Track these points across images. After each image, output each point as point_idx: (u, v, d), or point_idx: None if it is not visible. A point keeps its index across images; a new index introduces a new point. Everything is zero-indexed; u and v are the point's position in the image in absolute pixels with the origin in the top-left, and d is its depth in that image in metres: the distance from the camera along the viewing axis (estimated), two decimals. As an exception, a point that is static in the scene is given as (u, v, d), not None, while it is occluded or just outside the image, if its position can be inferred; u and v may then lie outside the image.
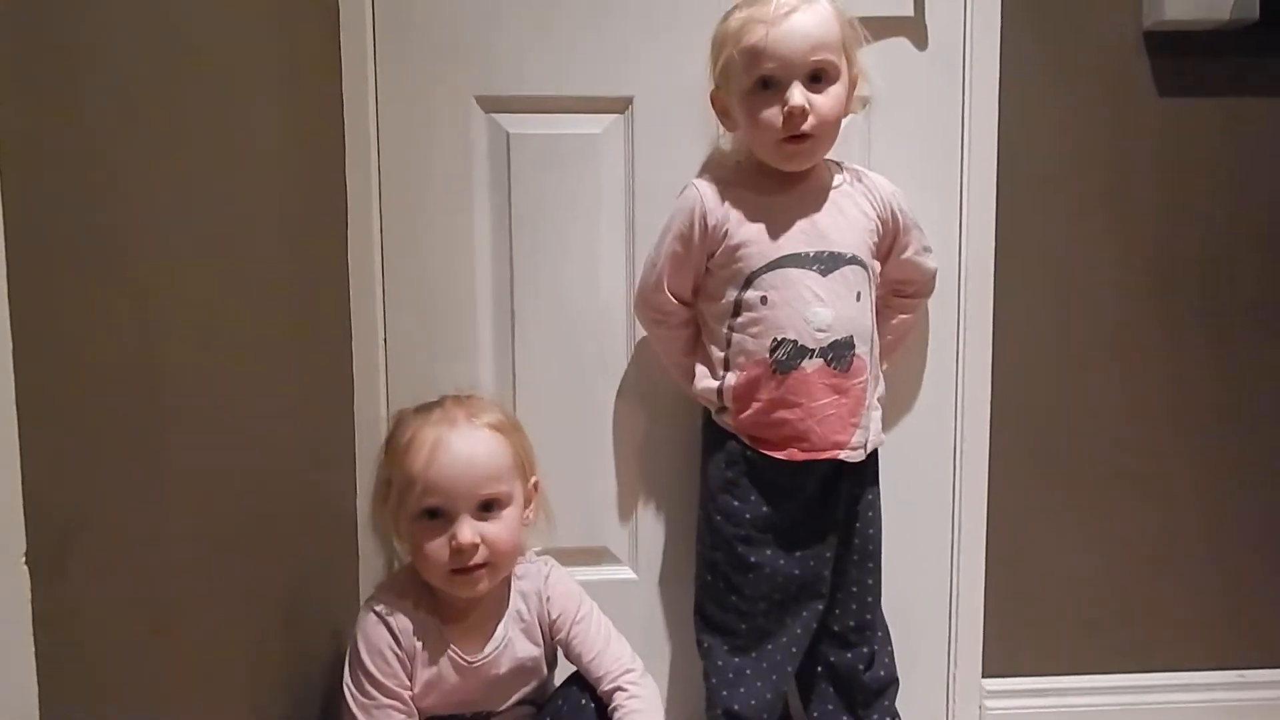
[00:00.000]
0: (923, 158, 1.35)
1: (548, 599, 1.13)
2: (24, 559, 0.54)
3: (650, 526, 1.40)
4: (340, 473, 1.29)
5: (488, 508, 1.04)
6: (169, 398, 0.75)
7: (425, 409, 1.09)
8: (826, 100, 1.14)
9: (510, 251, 1.35)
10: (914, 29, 1.34)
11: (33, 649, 0.54)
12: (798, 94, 1.13)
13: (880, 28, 1.29)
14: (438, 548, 1.03)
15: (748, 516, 1.22)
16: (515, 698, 1.13)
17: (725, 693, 1.22)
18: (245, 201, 0.93)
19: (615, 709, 1.10)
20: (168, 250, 0.75)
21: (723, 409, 1.23)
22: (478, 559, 1.03)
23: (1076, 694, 1.46)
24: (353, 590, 1.32)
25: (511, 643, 1.11)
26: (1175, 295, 1.42)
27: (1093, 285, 1.41)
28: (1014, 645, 1.45)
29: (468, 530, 1.02)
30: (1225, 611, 1.47)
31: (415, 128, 1.32)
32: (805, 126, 1.13)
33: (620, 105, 1.34)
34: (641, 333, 1.33)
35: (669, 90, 1.32)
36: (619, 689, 1.11)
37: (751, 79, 1.15)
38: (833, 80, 1.15)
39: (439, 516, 1.03)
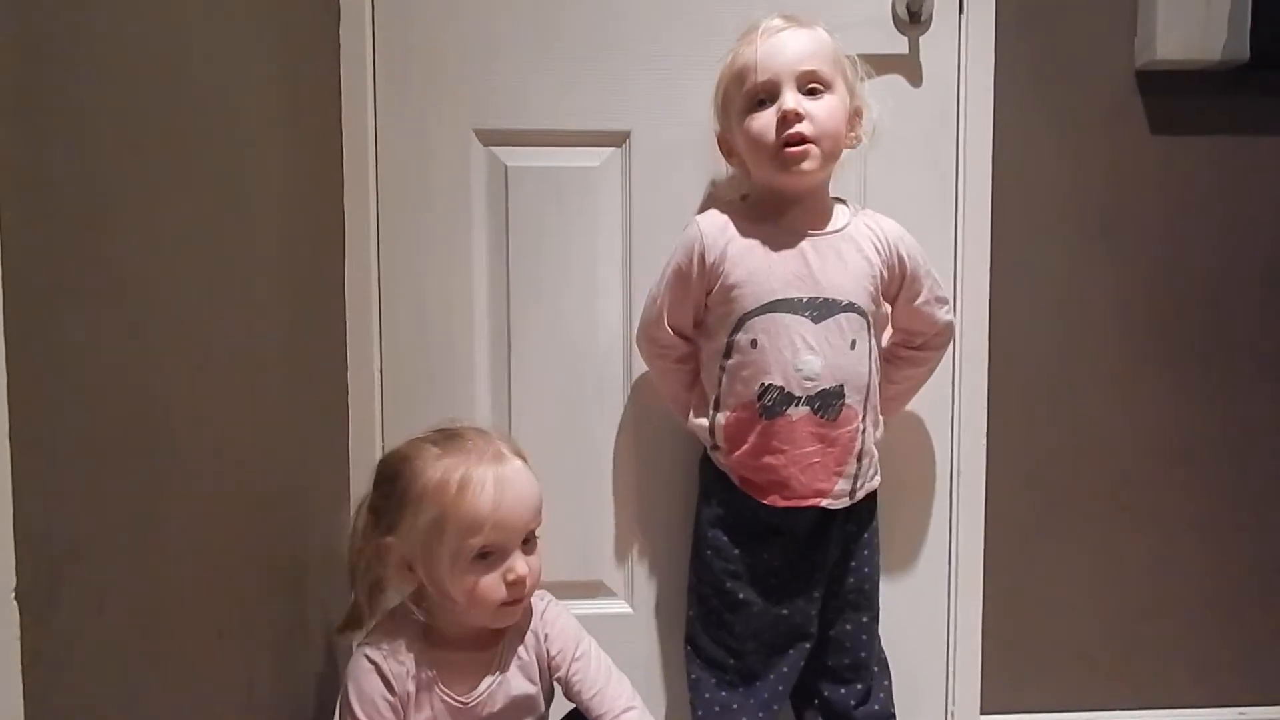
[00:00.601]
0: (918, 194, 1.36)
1: (545, 636, 1.11)
2: (13, 594, 0.53)
3: (646, 560, 1.39)
4: (335, 504, 1.28)
5: (528, 539, 1.04)
6: (164, 429, 0.74)
7: (451, 444, 1.04)
8: (822, 107, 1.14)
9: (507, 283, 1.35)
10: (909, 67, 1.35)
11: (21, 688, 0.53)
12: (790, 98, 1.13)
13: (875, 65, 1.30)
14: (492, 584, 1.01)
15: (737, 553, 1.21)
16: None
17: None
18: (243, 232, 0.93)
19: None
20: (164, 280, 0.75)
21: (715, 447, 1.23)
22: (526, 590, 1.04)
23: (1075, 732, 1.45)
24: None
25: (506, 681, 1.09)
26: (1171, 330, 1.43)
27: (1088, 321, 1.42)
28: (1012, 682, 1.44)
29: (522, 564, 1.02)
30: (1224, 649, 1.46)
31: (414, 160, 1.33)
32: (801, 128, 1.12)
33: (618, 139, 1.35)
34: (639, 365, 1.33)
35: (666, 124, 1.33)
36: None
37: (747, 99, 1.15)
38: (827, 91, 1.15)
39: (491, 555, 1.01)
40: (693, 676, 1.25)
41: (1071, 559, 1.44)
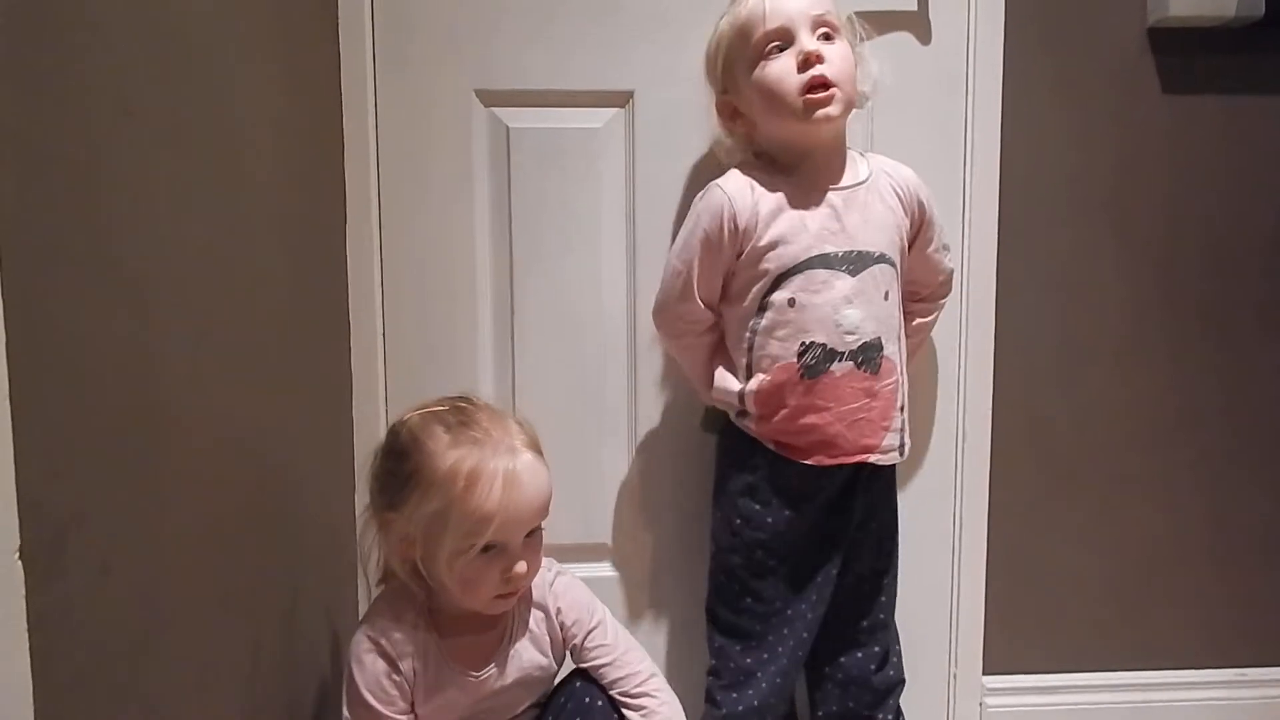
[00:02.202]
0: (926, 153, 1.34)
1: (558, 610, 1.09)
2: (17, 555, 0.53)
3: (648, 524, 1.39)
4: (338, 473, 1.28)
5: (531, 533, 1.02)
6: (166, 396, 0.74)
7: (463, 431, 1.00)
8: (837, 52, 1.13)
9: (510, 247, 1.34)
10: (918, 24, 1.33)
11: (27, 646, 0.53)
12: (809, 40, 1.11)
13: (884, 22, 1.28)
14: (490, 579, 0.99)
15: (769, 521, 1.20)
16: (524, 706, 1.11)
17: (734, 694, 1.21)
18: (242, 198, 0.92)
19: (646, 717, 1.07)
20: (163, 248, 0.74)
21: (744, 413, 1.20)
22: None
23: (1077, 691, 1.46)
24: (351, 591, 1.31)
25: (518, 654, 1.07)
26: (1178, 294, 1.42)
27: (1095, 283, 1.41)
28: (1015, 643, 1.45)
29: (522, 563, 0.99)
30: (1225, 610, 1.47)
31: (414, 122, 1.31)
32: (823, 69, 1.10)
33: (621, 99, 1.33)
34: (642, 328, 1.32)
35: (669, 84, 1.31)
36: (647, 694, 1.08)
37: (756, 50, 1.13)
38: (838, 37, 1.14)
39: (492, 549, 0.99)
40: (715, 644, 1.25)
41: (1074, 521, 1.44)
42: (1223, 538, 1.46)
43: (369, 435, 1.30)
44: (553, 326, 1.35)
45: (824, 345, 1.14)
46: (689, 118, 1.31)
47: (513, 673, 1.07)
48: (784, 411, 1.16)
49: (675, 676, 1.35)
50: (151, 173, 0.72)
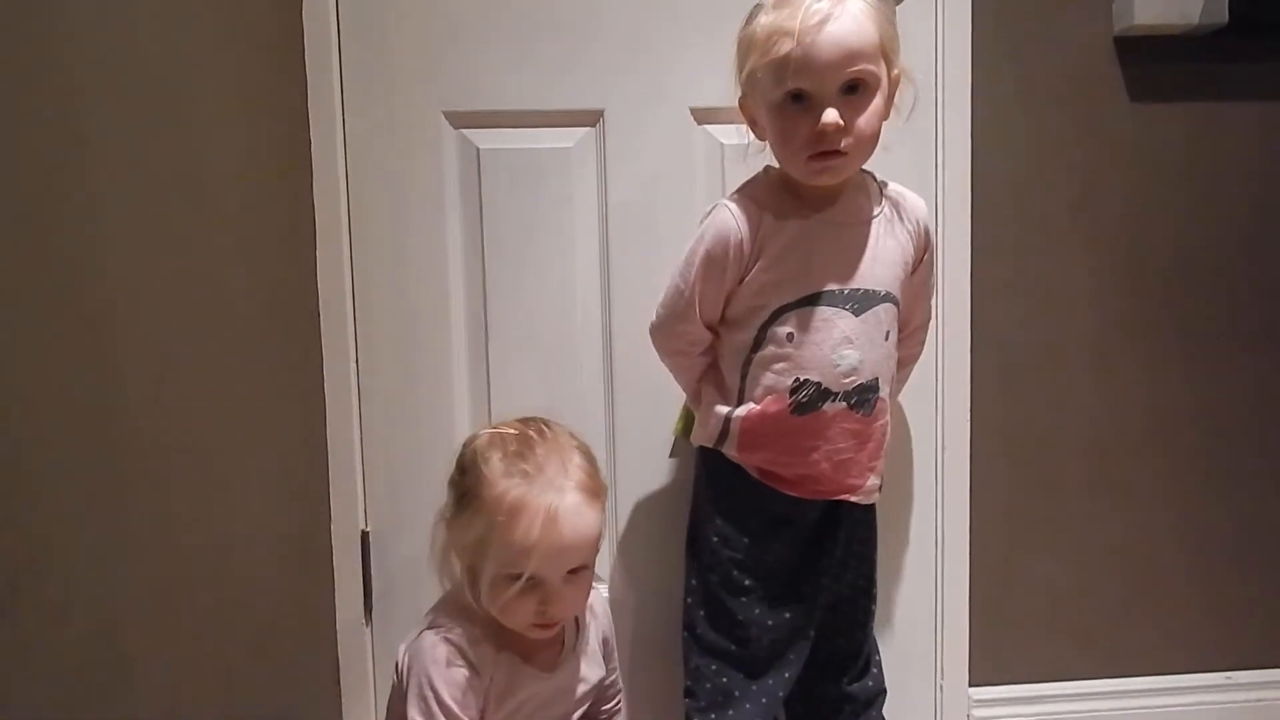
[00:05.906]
0: (896, 166, 1.34)
1: (604, 631, 1.21)
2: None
3: (629, 546, 1.38)
4: (313, 500, 1.26)
5: (575, 570, 1.04)
6: (129, 438, 0.72)
7: (518, 461, 1.03)
8: (864, 116, 1.04)
9: (483, 268, 1.33)
10: (885, 37, 1.33)
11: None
12: (831, 114, 1.02)
13: (851, 37, 1.28)
14: (525, 607, 1.02)
15: (746, 541, 1.18)
16: (579, 712, 1.14)
17: (713, 716, 1.19)
18: (208, 223, 0.91)
19: None
20: (125, 283, 0.73)
21: (724, 437, 1.17)
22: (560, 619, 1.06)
23: (1064, 700, 1.46)
24: (329, 627, 1.28)
25: (581, 652, 1.13)
26: (1148, 301, 1.42)
27: (1067, 293, 1.41)
28: (1000, 654, 1.45)
29: (558, 600, 1.03)
30: (1210, 615, 1.47)
31: (383, 145, 1.30)
32: (840, 145, 1.03)
33: (591, 119, 1.32)
34: (618, 349, 1.31)
35: (640, 103, 1.31)
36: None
37: (781, 93, 1.04)
38: (871, 92, 1.04)
39: (530, 581, 1.01)
40: (692, 665, 1.22)
41: (1055, 531, 1.44)
42: (1205, 544, 1.46)
43: (342, 459, 1.28)
44: (527, 347, 1.34)
45: (819, 384, 1.10)
46: (660, 136, 1.31)
47: (580, 671, 1.12)
48: (770, 443, 1.13)
49: (659, 700, 1.35)
50: (113, 211, 0.71)
